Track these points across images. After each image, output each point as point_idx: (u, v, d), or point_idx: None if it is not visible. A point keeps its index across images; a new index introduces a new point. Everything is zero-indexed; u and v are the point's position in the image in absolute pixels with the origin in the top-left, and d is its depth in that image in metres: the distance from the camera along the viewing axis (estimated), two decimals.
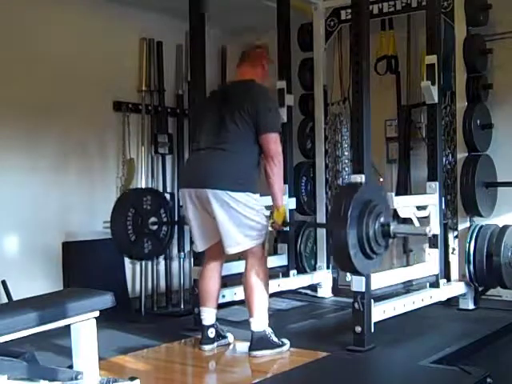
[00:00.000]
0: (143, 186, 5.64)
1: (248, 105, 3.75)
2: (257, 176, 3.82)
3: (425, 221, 4.56)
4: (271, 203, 3.94)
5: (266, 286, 3.84)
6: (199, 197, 3.74)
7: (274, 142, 3.77)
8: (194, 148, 4.03)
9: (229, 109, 3.80)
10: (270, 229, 3.97)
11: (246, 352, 3.79)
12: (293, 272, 5.27)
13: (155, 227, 4.76)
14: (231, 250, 3.77)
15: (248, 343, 3.79)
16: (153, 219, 4.76)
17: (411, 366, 3.55)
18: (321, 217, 5.53)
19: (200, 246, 3.96)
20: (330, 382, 3.43)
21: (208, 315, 3.92)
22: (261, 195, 3.88)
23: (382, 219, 3.63)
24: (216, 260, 3.94)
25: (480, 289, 4.87)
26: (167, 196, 5.50)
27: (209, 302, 3.93)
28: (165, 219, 4.88)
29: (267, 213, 3.97)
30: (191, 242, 5.27)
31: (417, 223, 4.41)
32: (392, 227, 3.66)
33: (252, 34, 6.17)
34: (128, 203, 4.71)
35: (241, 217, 3.69)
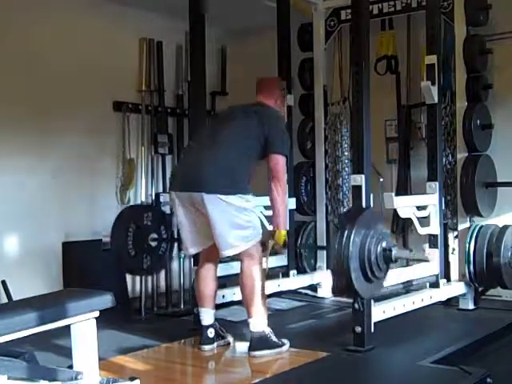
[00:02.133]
0: (143, 187, 5.64)
1: (262, 120, 3.78)
2: (249, 178, 3.80)
3: (425, 221, 4.56)
4: (268, 203, 3.95)
5: (263, 285, 3.83)
6: (192, 200, 3.72)
7: (283, 165, 3.82)
8: (187, 147, 4.00)
9: (239, 117, 3.84)
10: (269, 249, 3.99)
11: (246, 352, 3.79)
12: (293, 272, 5.28)
13: (155, 243, 4.76)
14: (227, 252, 3.75)
15: (248, 343, 3.79)
16: (153, 235, 4.76)
17: (411, 366, 3.55)
18: (320, 217, 5.54)
19: (192, 250, 3.95)
20: (330, 382, 3.43)
21: (206, 315, 3.92)
22: (257, 195, 3.89)
23: (384, 244, 3.69)
24: (211, 261, 3.94)
25: (480, 289, 4.87)
26: (167, 197, 5.47)
27: (206, 303, 3.93)
28: (165, 236, 4.88)
29: (266, 212, 3.96)
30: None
31: (417, 224, 4.42)
32: (394, 252, 3.74)
33: (252, 34, 6.20)
34: (129, 219, 4.70)
35: (234, 219, 3.68)
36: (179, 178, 3.86)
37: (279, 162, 3.80)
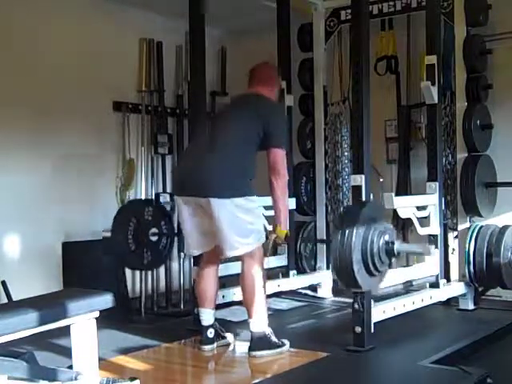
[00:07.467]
0: (143, 187, 5.64)
1: (261, 114, 3.76)
2: (253, 177, 3.80)
3: (425, 221, 4.56)
4: (270, 203, 3.94)
5: (264, 286, 3.84)
6: (198, 204, 3.73)
7: (280, 157, 3.80)
8: (189, 147, 3.99)
9: (238, 111, 3.82)
10: (271, 243, 3.97)
11: (246, 352, 3.78)
12: (293, 272, 5.28)
13: (155, 238, 4.74)
14: (230, 253, 3.76)
15: (248, 343, 3.79)
16: (153, 230, 4.74)
17: (411, 366, 3.55)
18: (320, 217, 5.54)
19: (196, 251, 3.97)
20: (330, 382, 3.43)
21: (206, 316, 3.92)
22: (259, 195, 3.89)
23: (386, 237, 3.70)
24: (212, 262, 3.94)
25: (480, 289, 4.87)
26: (167, 197, 5.50)
27: (206, 303, 3.93)
28: (165, 231, 4.87)
29: (266, 212, 3.97)
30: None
31: (417, 224, 4.42)
32: (396, 245, 3.74)
33: (252, 34, 6.20)
34: (130, 213, 4.69)
35: (240, 222, 3.68)
36: (183, 183, 3.83)
37: (278, 155, 3.78)
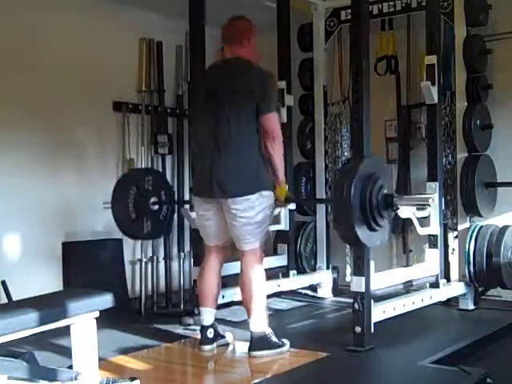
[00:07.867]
0: None
1: (252, 88, 3.76)
2: (265, 166, 3.82)
3: (425, 221, 4.56)
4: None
5: (263, 285, 3.84)
6: (218, 202, 3.79)
7: (275, 122, 3.82)
8: (198, 147, 3.99)
9: (229, 95, 3.79)
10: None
11: (246, 352, 3.78)
12: (293, 272, 5.28)
13: (156, 207, 4.75)
14: (246, 246, 3.79)
15: (248, 343, 3.79)
16: (154, 199, 4.75)
17: (411, 366, 3.55)
18: (320, 217, 5.54)
19: (219, 243, 3.96)
20: (330, 382, 3.43)
21: (207, 315, 3.92)
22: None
23: (385, 191, 3.68)
24: (217, 260, 3.96)
25: (480, 289, 4.87)
26: None
27: (208, 302, 3.93)
28: (165, 200, 4.89)
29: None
30: (191, 242, 5.31)
31: (417, 224, 4.42)
32: (395, 198, 3.73)
33: None
34: (131, 182, 4.71)
35: (254, 216, 3.72)
36: (201, 185, 3.87)
37: (272, 120, 3.80)
